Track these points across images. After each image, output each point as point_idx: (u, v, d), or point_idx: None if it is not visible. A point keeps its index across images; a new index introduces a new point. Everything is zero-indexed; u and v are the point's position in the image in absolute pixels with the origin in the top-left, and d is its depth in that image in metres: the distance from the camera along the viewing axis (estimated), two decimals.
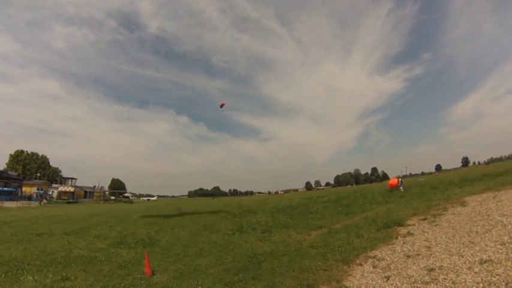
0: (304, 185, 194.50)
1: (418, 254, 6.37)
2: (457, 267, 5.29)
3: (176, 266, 7.87)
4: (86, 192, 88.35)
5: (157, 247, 10.55)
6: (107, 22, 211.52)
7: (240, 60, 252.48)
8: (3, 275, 6.85)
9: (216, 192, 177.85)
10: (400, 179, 27.41)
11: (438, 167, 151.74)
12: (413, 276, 5.29)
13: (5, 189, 60.32)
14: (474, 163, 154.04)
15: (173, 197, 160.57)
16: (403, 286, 5.03)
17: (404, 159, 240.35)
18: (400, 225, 9.42)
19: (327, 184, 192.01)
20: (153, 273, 7.14)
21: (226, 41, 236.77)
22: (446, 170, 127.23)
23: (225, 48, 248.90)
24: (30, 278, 6.71)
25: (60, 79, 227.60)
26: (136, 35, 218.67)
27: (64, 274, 6.98)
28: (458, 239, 6.96)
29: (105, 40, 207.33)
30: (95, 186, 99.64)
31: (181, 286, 6.31)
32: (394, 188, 25.79)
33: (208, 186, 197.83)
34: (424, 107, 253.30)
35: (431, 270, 5.37)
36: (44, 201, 60.96)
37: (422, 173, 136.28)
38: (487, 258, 5.41)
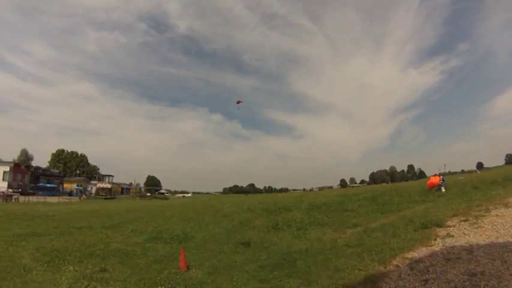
0: (338, 182, 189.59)
1: (459, 258, 6.09)
2: (500, 273, 5.02)
3: (211, 261, 8.09)
4: (122, 188, 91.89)
5: (193, 243, 10.86)
6: (137, 25, 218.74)
7: (270, 57, 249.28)
8: (45, 265, 7.36)
9: (250, 189, 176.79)
10: (441, 177, 25.40)
11: (480, 165, 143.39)
12: (453, 281, 5.07)
13: (48, 185, 64.20)
14: None
15: (208, 193, 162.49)
16: None
17: (441, 156, 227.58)
18: (439, 226, 9.02)
19: (362, 181, 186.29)
20: (188, 268, 7.38)
21: (255, 38, 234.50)
22: (488, 168, 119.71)
23: (254, 46, 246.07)
24: (71, 268, 7.15)
25: (94, 81, 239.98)
26: (166, 36, 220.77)
27: (102, 266, 7.41)
28: (502, 242, 6.61)
29: (136, 42, 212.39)
30: (131, 183, 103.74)
31: (216, 282, 6.48)
32: (435, 188, 24.02)
33: (243, 183, 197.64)
34: (462, 102, 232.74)
35: (473, 275, 5.12)
36: (84, 196, 64.10)
37: (462, 171, 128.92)
38: None
